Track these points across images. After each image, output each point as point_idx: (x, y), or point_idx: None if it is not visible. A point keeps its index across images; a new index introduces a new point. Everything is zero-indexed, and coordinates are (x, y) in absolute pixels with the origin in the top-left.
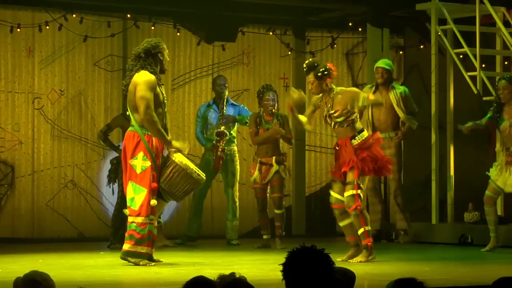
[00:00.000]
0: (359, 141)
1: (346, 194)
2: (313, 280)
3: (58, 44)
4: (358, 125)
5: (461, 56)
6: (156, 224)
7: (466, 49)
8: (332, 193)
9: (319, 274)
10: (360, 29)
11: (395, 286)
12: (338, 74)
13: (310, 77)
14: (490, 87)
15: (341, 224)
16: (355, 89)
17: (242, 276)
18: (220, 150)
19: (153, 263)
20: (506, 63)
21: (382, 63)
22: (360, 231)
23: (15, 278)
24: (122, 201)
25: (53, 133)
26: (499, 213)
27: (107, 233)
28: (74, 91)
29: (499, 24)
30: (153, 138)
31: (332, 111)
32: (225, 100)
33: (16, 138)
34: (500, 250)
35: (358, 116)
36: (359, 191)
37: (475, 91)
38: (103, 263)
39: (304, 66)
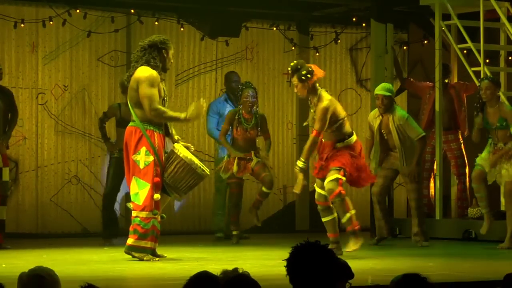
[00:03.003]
0: (345, 144)
1: (329, 178)
2: (317, 275)
3: (61, 40)
4: (347, 129)
5: (465, 51)
6: (159, 219)
7: (470, 44)
8: (317, 189)
9: (323, 269)
10: (364, 25)
11: (400, 281)
12: (326, 74)
13: (294, 80)
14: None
15: (323, 219)
16: (319, 112)
17: (245, 271)
18: None
19: (157, 258)
20: (510, 58)
21: (381, 89)
22: (346, 217)
23: (20, 273)
24: (109, 198)
25: (57, 129)
26: (502, 208)
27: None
28: (78, 87)
29: (503, 19)
30: (155, 133)
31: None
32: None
33: (20, 133)
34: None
35: (345, 121)
36: (344, 178)
37: (478, 85)
38: (107, 259)
39: (289, 69)
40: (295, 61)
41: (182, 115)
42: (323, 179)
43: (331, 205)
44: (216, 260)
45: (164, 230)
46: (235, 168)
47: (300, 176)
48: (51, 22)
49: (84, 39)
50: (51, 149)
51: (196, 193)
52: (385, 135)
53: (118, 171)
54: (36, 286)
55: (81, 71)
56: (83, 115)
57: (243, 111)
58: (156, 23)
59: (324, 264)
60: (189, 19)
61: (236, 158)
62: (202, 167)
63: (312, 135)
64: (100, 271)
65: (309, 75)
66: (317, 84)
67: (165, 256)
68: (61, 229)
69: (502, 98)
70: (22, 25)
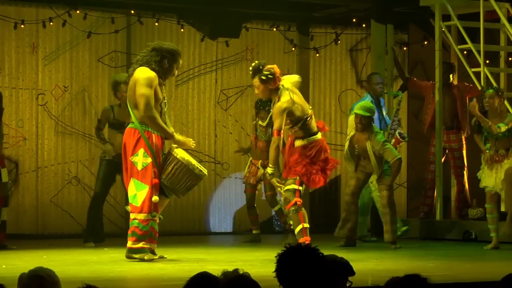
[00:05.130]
0: (305, 142)
1: (286, 187)
2: (307, 277)
3: (62, 40)
4: (311, 128)
5: (465, 52)
6: (158, 220)
7: (470, 45)
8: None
9: (311, 270)
10: (364, 25)
11: (400, 282)
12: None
13: (256, 81)
14: (494, 83)
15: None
16: (277, 109)
17: (245, 272)
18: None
19: (157, 256)
20: (510, 59)
21: (361, 108)
22: (299, 228)
23: (20, 274)
24: (98, 200)
25: (57, 129)
26: (502, 209)
27: (111, 229)
28: (78, 87)
29: (503, 20)
30: (153, 135)
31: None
32: (399, 104)
33: (20, 134)
34: (503, 246)
35: (309, 120)
36: (300, 188)
37: (479, 87)
38: (107, 259)
39: (250, 69)
40: (256, 61)
41: (171, 130)
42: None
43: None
44: (217, 261)
45: (164, 231)
46: (246, 170)
47: (274, 180)
48: (51, 23)
49: (84, 39)
50: (51, 150)
51: (196, 193)
52: (357, 149)
53: (109, 173)
54: (36, 287)
55: (81, 72)
56: (83, 116)
57: (260, 122)
58: (156, 23)
59: (312, 263)
60: (189, 19)
61: (250, 162)
62: (199, 167)
63: (273, 137)
64: (100, 272)
65: (270, 76)
66: (281, 84)
67: (165, 257)
68: (61, 230)
69: (507, 105)
70: (22, 26)
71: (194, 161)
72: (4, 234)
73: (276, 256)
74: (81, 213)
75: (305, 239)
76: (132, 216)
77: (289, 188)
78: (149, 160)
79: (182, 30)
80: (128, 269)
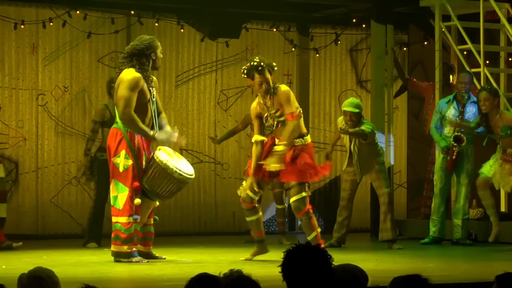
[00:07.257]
0: (302, 143)
1: (296, 197)
2: (312, 277)
3: (62, 41)
4: (302, 125)
5: (465, 53)
6: (152, 221)
7: (470, 45)
8: (245, 189)
9: (317, 270)
10: (364, 26)
11: (401, 282)
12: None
13: (257, 77)
14: (494, 83)
15: (248, 219)
16: (287, 94)
17: (246, 272)
18: (455, 154)
19: (145, 260)
20: (510, 59)
21: (349, 105)
22: (313, 235)
23: (20, 274)
24: (100, 201)
25: (57, 130)
26: (502, 209)
27: (111, 230)
28: (78, 88)
29: (503, 20)
30: (136, 136)
31: (273, 111)
32: (465, 103)
33: (20, 134)
34: (504, 247)
35: (301, 115)
36: (309, 193)
37: (479, 87)
38: (107, 260)
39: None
40: (257, 58)
41: (151, 132)
42: (257, 180)
43: (256, 206)
44: (216, 261)
45: (164, 231)
46: None
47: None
48: (51, 23)
49: (84, 40)
50: (51, 150)
51: (196, 193)
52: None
53: (107, 172)
54: (36, 287)
55: (81, 72)
56: (83, 116)
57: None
58: (156, 24)
59: (318, 264)
60: (189, 20)
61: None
62: (179, 171)
63: (290, 120)
64: (99, 272)
65: (260, 68)
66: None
67: (164, 258)
68: (61, 230)
69: (505, 102)
70: (22, 26)
71: (173, 165)
72: (2, 229)
73: (284, 252)
74: (81, 214)
75: (320, 244)
76: (114, 219)
77: (299, 197)
78: (130, 162)
79: (182, 30)
80: (127, 269)
